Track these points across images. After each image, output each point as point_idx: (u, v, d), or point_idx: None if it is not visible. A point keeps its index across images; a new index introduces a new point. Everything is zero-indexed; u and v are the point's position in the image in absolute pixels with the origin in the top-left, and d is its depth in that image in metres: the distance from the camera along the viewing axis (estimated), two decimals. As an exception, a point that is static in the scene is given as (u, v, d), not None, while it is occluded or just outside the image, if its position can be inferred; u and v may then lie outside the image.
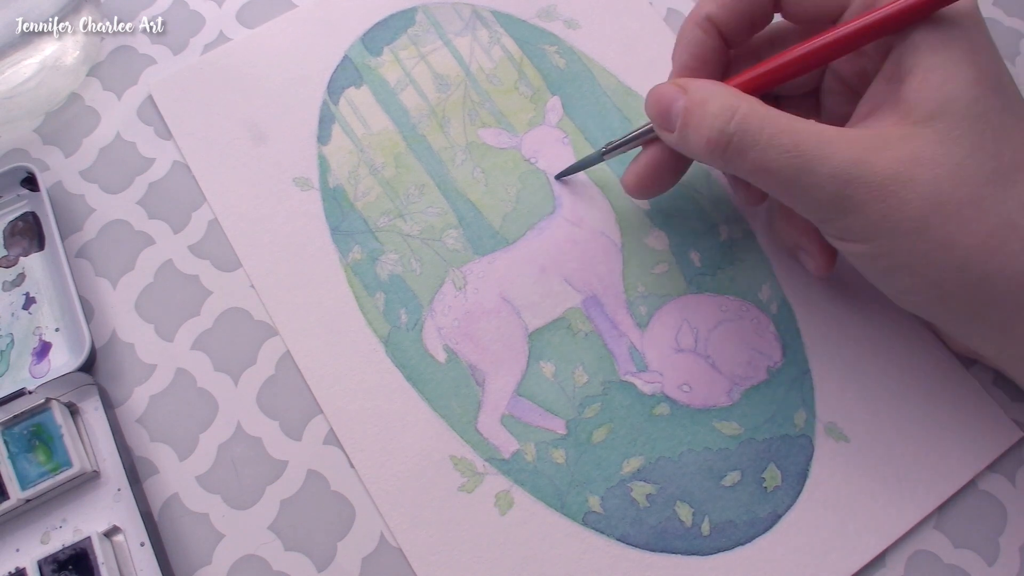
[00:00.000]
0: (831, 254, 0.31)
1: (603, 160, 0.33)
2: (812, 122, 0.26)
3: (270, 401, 0.31)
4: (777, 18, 0.31)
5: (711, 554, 0.29)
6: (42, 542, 0.28)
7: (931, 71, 0.25)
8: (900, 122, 0.25)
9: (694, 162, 0.32)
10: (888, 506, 0.30)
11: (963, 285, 0.25)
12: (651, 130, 0.30)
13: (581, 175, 0.35)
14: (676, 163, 0.31)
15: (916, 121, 0.25)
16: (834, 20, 0.28)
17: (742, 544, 0.29)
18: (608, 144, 0.32)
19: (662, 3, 0.39)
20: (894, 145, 0.25)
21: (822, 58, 0.27)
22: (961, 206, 0.24)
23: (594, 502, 0.30)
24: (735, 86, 0.28)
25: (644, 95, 0.36)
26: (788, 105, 0.32)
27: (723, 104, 0.26)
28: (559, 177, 0.35)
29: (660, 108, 0.28)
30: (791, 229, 0.31)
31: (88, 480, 0.29)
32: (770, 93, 0.29)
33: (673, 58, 0.31)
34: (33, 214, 0.33)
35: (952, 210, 0.24)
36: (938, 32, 0.25)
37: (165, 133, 0.35)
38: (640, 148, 0.32)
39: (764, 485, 0.30)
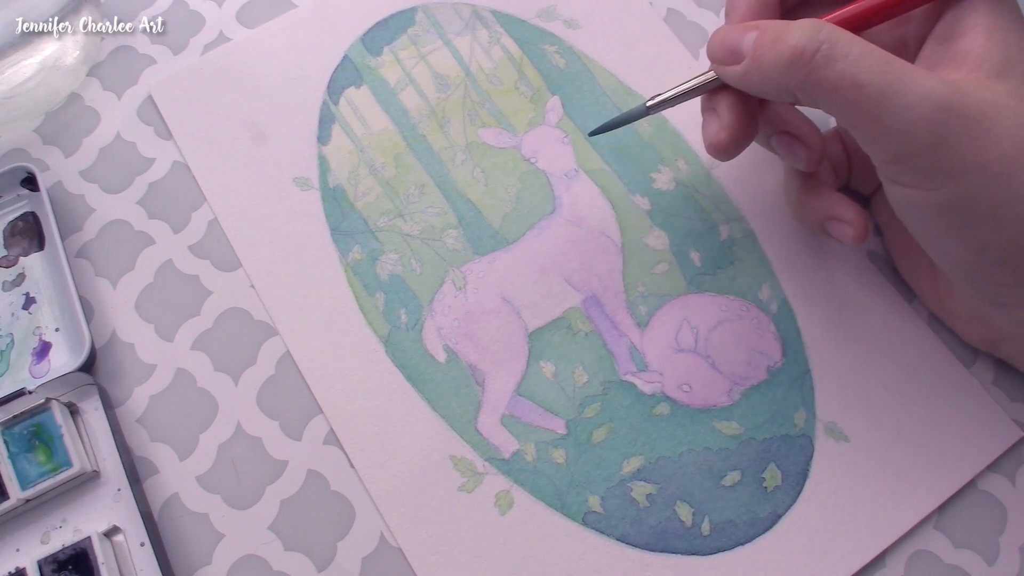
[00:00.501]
0: (868, 219, 0.29)
1: (648, 114, 0.30)
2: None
3: (270, 401, 0.31)
4: None
5: (711, 554, 0.29)
6: (42, 542, 0.28)
7: (994, 30, 0.25)
8: (973, 72, 0.25)
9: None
10: (888, 506, 0.30)
11: None
12: (707, 83, 0.28)
13: (582, 177, 0.35)
14: (751, 108, 0.29)
15: (987, 75, 0.24)
16: None
17: (742, 544, 0.29)
18: (652, 98, 0.30)
19: (662, 3, 0.39)
20: (977, 88, 0.24)
21: (906, 4, 0.26)
22: None
23: (594, 502, 0.30)
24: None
25: (644, 94, 0.37)
26: None
27: (807, 23, 0.25)
28: (593, 134, 0.33)
29: (727, 43, 0.27)
30: (818, 201, 0.30)
31: (88, 480, 0.29)
32: None
33: (727, 11, 0.29)
34: (33, 214, 0.33)
35: None
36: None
37: (165, 133, 0.35)
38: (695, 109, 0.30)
39: (764, 485, 0.30)
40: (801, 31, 0.25)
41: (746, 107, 0.28)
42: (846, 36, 0.24)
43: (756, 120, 0.29)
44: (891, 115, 0.24)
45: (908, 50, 0.28)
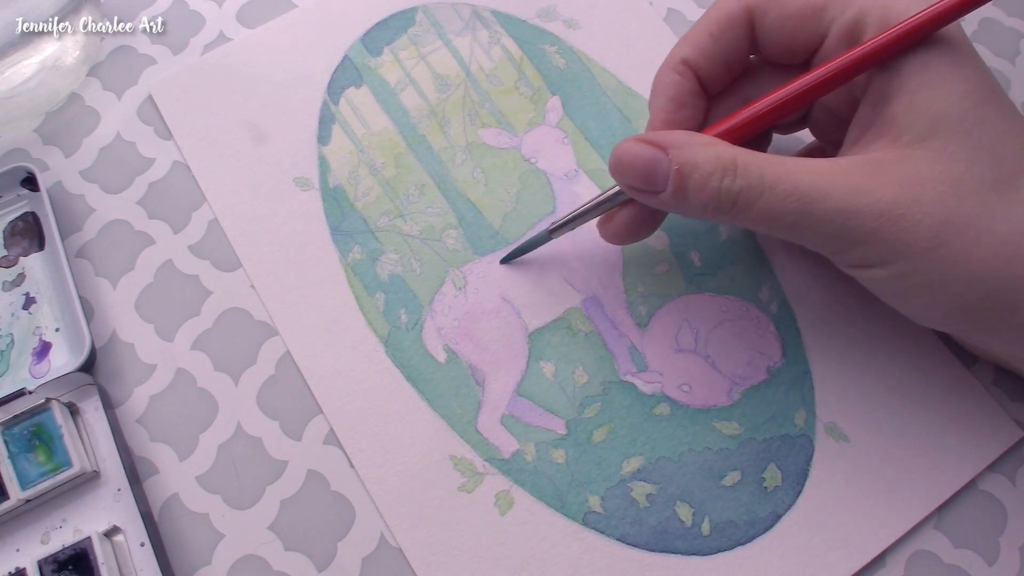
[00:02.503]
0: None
1: (551, 239, 0.31)
2: (806, 160, 0.25)
3: (270, 401, 0.31)
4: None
5: (711, 554, 0.29)
6: (42, 542, 0.28)
7: (917, 92, 0.25)
8: (892, 145, 0.25)
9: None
10: (888, 506, 0.30)
11: (983, 296, 0.25)
12: (609, 199, 0.29)
13: (583, 177, 0.35)
14: (655, 215, 0.30)
15: (909, 143, 0.25)
16: (810, 57, 0.28)
17: (742, 544, 0.29)
18: (553, 223, 0.31)
19: (662, 3, 0.39)
20: (891, 169, 0.25)
21: (805, 100, 0.27)
22: (969, 219, 0.24)
23: (594, 502, 0.30)
24: (720, 135, 0.27)
25: (644, 95, 0.37)
26: (778, 135, 0.32)
27: (717, 161, 0.25)
28: (503, 262, 0.33)
29: (641, 172, 0.26)
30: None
31: (88, 480, 0.29)
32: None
33: (650, 106, 0.30)
34: (33, 214, 0.33)
35: (961, 223, 0.24)
36: (921, 52, 0.25)
37: (165, 133, 0.35)
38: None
39: (764, 485, 0.30)
40: (713, 179, 0.25)
41: (644, 216, 0.29)
42: (756, 170, 0.25)
43: (657, 221, 0.30)
44: (810, 233, 0.25)
45: (856, 107, 0.28)
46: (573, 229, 0.31)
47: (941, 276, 0.25)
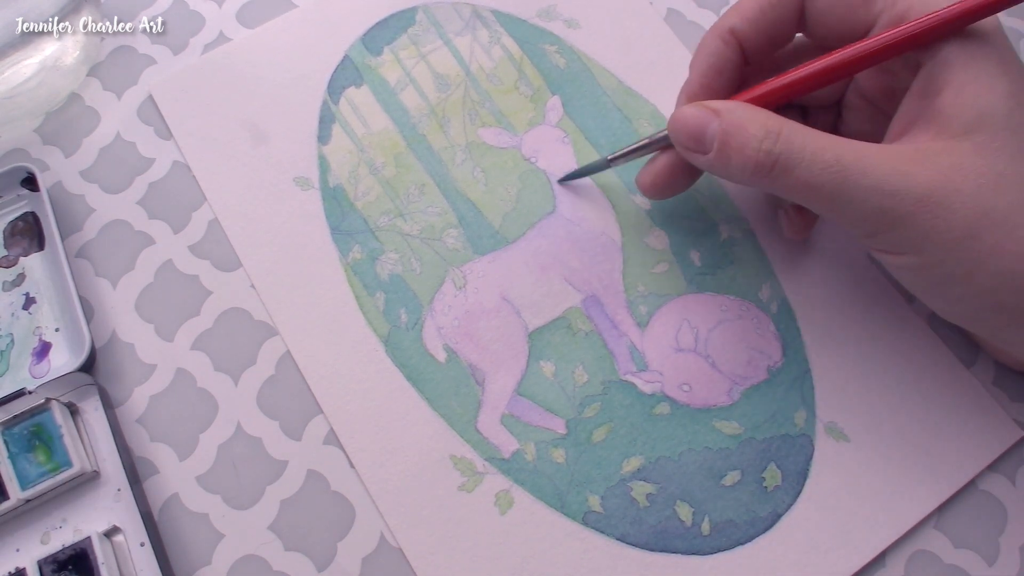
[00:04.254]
0: (808, 221, 0.32)
1: (609, 167, 0.33)
2: (852, 140, 0.26)
3: (270, 401, 0.31)
4: (799, 37, 0.31)
5: (711, 554, 0.29)
6: (42, 542, 0.28)
7: (965, 85, 0.25)
8: (937, 136, 0.25)
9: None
10: (888, 506, 0.30)
11: (1013, 291, 0.25)
12: (665, 139, 0.30)
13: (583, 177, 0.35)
14: (693, 168, 0.31)
15: (954, 135, 0.25)
16: (858, 40, 0.28)
17: (742, 544, 0.29)
18: (615, 152, 0.32)
19: (662, 3, 0.39)
20: (934, 158, 0.25)
21: (845, 70, 0.27)
22: (1007, 213, 0.24)
23: (594, 502, 0.30)
24: (755, 97, 0.28)
25: (644, 94, 0.37)
26: (809, 118, 0.33)
27: (764, 126, 0.26)
28: (562, 181, 0.35)
29: (692, 131, 0.28)
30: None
31: (88, 480, 0.29)
32: (793, 104, 0.29)
33: (691, 67, 0.31)
34: (33, 214, 0.33)
35: (999, 218, 0.24)
36: (968, 47, 0.26)
37: (165, 133, 0.35)
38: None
39: (764, 485, 0.30)
40: (758, 140, 0.26)
41: (684, 168, 0.31)
42: (799, 139, 0.26)
43: (691, 178, 0.31)
44: (847, 208, 0.26)
45: (895, 99, 0.28)
46: (629, 161, 0.32)
47: (973, 268, 0.25)
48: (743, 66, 0.30)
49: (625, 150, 0.32)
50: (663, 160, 0.31)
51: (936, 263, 0.26)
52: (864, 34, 0.28)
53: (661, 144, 0.31)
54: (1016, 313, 0.26)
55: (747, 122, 0.26)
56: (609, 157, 0.32)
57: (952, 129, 0.25)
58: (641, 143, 0.31)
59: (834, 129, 0.32)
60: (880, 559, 0.29)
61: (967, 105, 0.25)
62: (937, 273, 0.26)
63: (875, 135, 0.29)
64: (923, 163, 0.25)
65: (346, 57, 0.37)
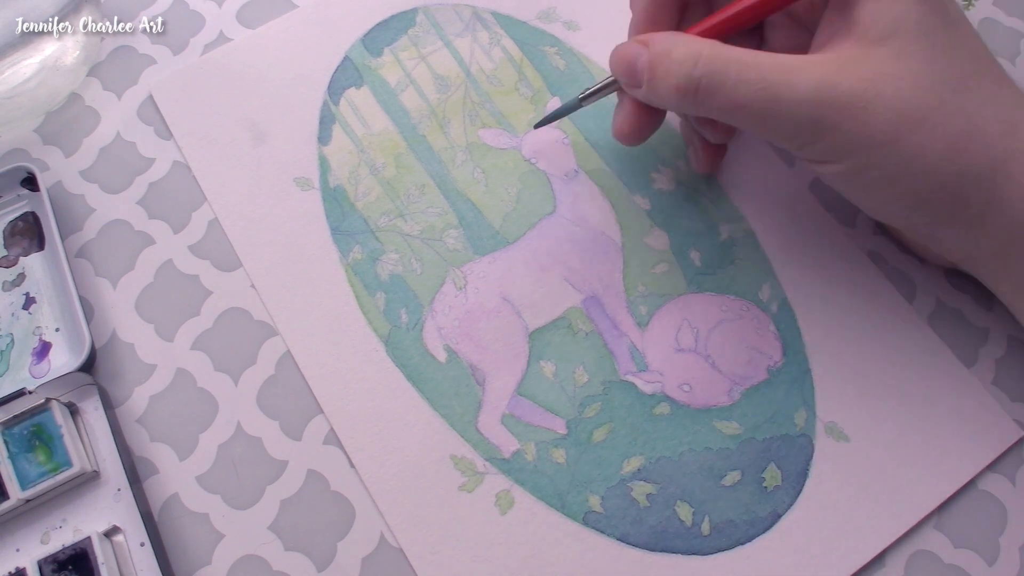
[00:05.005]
0: (714, 155, 0.34)
1: (581, 107, 0.33)
2: (774, 54, 0.26)
3: (270, 401, 0.31)
4: None
5: (711, 554, 0.29)
6: (42, 542, 0.28)
7: None
8: (856, 44, 0.26)
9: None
10: (888, 506, 0.30)
11: (936, 188, 0.27)
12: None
13: (583, 177, 0.35)
14: (653, 112, 0.31)
15: (872, 41, 0.26)
16: None
17: (742, 544, 0.29)
18: (584, 90, 0.32)
19: (662, 4, 0.39)
20: (855, 65, 0.26)
21: (780, 3, 0.28)
22: (926, 113, 0.26)
23: (594, 502, 0.30)
24: (697, 34, 0.29)
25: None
26: (733, 41, 0.32)
27: (686, 51, 0.27)
28: (537, 126, 0.35)
29: (625, 65, 0.29)
30: (685, 125, 0.34)
31: (88, 480, 0.29)
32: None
33: (631, 6, 0.32)
34: (33, 214, 0.33)
35: (918, 118, 0.26)
36: None
37: (165, 133, 0.35)
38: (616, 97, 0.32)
39: (764, 485, 0.30)
40: (679, 65, 0.27)
41: (644, 108, 0.31)
42: (721, 61, 0.26)
43: (657, 117, 0.32)
44: (776, 123, 0.27)
45: (814, 13, 0.29)
46: (600, 98, 0.32)
47: (898, 169, 0.26)
48: (680, 6, 0.31)
49: (594, 87, 0.32)
50: (624, 106, 0.31)
51: (863, 167, 0.27)
52: None
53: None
54: (939, 209, 0.27)
55: (671, 49, 0.27)
56: (580, 96, 0.32)
57: (870, 36, 0.26)
58: (608, 80, 0.31)
59: (758, 48, 0.33)
60: (880, 559, 0.29)
61: (883, 11, 0.26)
62: (865, 177, 0.27)
63: (800, 51, 0.30)
64: (845, 71, 0.26)
65: (346, 58, 0.37)
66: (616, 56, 0.29)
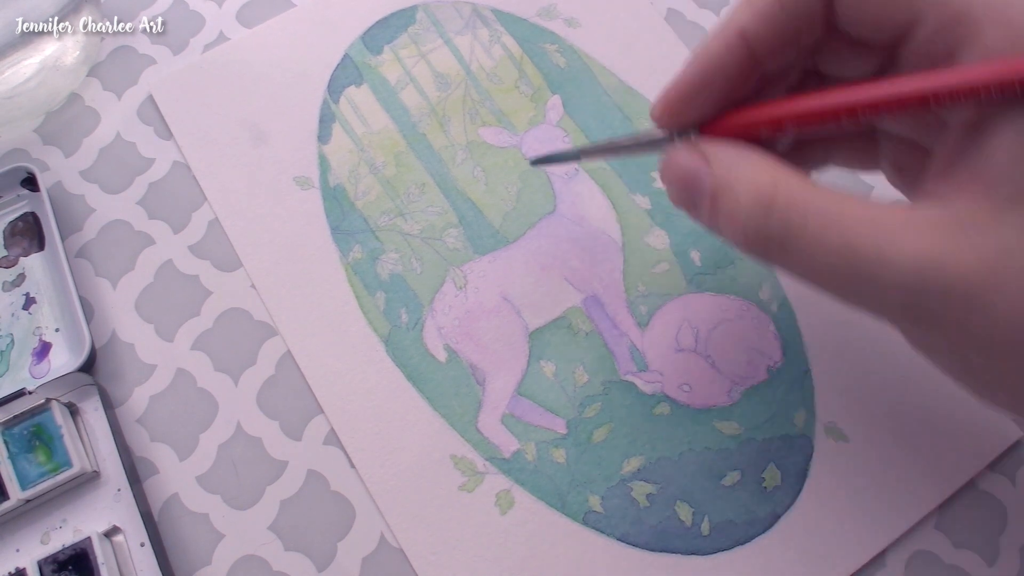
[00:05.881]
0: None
1: (580, 160, 0.31)
2: (869, 204, 0.20)
3: (270, 401, 0.31)
4: None
5: (711, 554, 0.29)
6: (42, 542, 0.28)
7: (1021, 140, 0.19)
8: (984, 197, 0.19)
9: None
10: (888, 506, 0.30)
11: None
12: (644, 144, 0.26)
13: (583, 176, 0.35)
14: None
15: (1007, 198, 0.19)
16: (894, 43, 0.22)
17: (742, 544, 0.29)
18: (586, 147, 0.28)
19: (662, 3, 0.39)
20: (976, 234, 0.19)
21: (859, 113, 0.21)
22: None
23: (594, 502, 0.30)
24: (763, 121, 0.22)
25: (644, 94, 0.37)
26: (838, 147, 0.27)
27: (756, 190, 0.21)
28: (534, 163, 0.31)
29: (685, 185, 0.23)
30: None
31: (88, 480, 0.29)
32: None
33: (684, 71, 0.24)
34: (33, 214, 0.33)
35: None
36: None
37: (165, 133, 0.35)
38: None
39: (764, 485, 0.30)
40: (747, 210, 0.21)
41: None
42: (799, 210, 0.20)
43: None
44: (861, 300, 0.21)
45: (933, 128, 0.23)
46: (602, 159, 0.28)
47: (1015, 365, 0.19)
48: (750, 75, 0.24)
49: (600, 146, 0.28)
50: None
51: (979, 369, 0.20)
52: (904, 33, 0.21)
53: (641, 150, 0.26)
54: None
55: (737, 179, 0.21)
56: (582, 149, 0.28)
57: (1005, 190, 0.19)
58: (614, 143, 0.27)
59: (871, 162, 0.27)
60: (880, 559, 0.29)
61: (1021, 172, 0.18)
62: (981, 379, 0.21)
63: (909, 176, 0.25)
64: (960, 244, 0.19)
65: (346, 56, 0.37)
66: (672, 169, 0.23)
